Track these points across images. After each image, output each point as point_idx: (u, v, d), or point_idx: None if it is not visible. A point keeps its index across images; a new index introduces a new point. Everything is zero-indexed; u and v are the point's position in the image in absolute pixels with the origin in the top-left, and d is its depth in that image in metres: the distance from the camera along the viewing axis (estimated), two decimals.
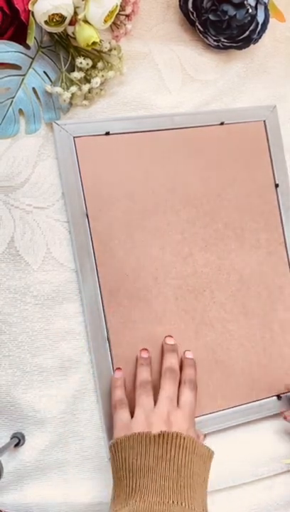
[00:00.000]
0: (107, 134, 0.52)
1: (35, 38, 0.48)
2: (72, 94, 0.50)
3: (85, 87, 0.50)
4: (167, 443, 0.43)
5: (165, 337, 0.53)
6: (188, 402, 0.49)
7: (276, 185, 0.58)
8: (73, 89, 0.50)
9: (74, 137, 0.51)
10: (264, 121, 0.58)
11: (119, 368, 0.51)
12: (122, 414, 0.48)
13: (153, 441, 0.43)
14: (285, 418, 0.54)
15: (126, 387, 0.51)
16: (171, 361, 0.51)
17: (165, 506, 0.40)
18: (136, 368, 0.51)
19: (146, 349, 0.52)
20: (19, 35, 0.48)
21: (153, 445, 0.43)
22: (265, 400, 0.56)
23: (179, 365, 0.52)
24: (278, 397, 0.56)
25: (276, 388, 0.56)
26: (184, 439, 0.44)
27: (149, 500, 0.41)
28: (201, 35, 0.56)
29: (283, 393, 0.56)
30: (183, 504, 0.41)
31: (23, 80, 0.49)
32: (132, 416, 0.47)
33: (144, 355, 0.52)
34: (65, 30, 0.48)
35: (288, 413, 0.54)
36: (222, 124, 0.57)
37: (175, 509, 0.40)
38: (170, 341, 0.53)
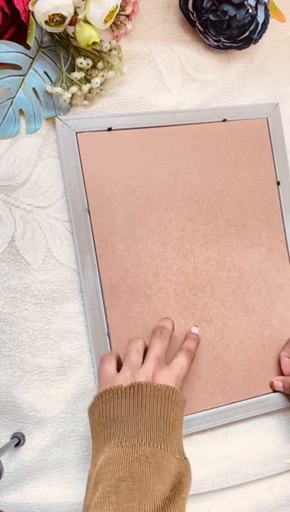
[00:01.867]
0: (109, 129, 0.52)
1: (35, 38, 0.48)
2: (73, 94, 0.50)
3: (85, 87, 0.50)
4: (137, 393, 0.44)
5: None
6: (179, 365, 0.49)
7: (278, 183, 0.59)
8: (73, 89, 0.50)
9: (76, 133, 0.51)
10: (267, 118, 0.58)
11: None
12: (108, 366, 0.48)
13: (124, 393, 0.44)
14: (271, 386, 0.54)
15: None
16: (164, 322, 0.51)
17: (138, 448, 0.42)
18: (133, 338, 0.51)
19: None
20: (19, 36, 0.48)
21: (125, 397, 0.44)
22: (264, 396, 0.56)
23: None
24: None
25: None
26: (154, 387, 0.45)
27: (122, 444, 0.42)
28: (201, 36, 0.56)
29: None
30: (156, 445, 0.42)
31: (23, 80, 0.50)
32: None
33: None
34: (65, 30, 0.49)
35: (275, 380, 0.54)
36: (224, 120, 0.57)
37: (147, 449, 0.42)
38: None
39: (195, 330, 0.54)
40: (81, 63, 0.49)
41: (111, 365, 0.48)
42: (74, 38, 0.48)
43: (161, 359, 0.48)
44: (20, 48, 0.48)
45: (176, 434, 0.45)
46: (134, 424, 0.43)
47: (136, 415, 0.44)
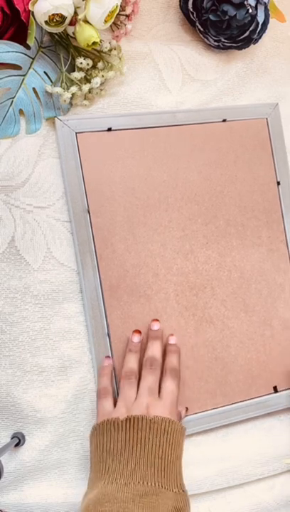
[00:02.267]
0: (109, 130, 0.52)
1: (35, 38, 0.48)
2: (73, 94, 0.50)
3: (85, 87, 0.50)
4: (133, 427, 0.45)
5: (152, 321, 0.53)
6: (169, 392, 0.49)
7: (278, 183, 0.59)
8: (73, 89, 0.50)
9: (76, 133, 0.51)
10: (267, 118, 0.58)
11: (108, 357, 0.52)
12: (105, 405, 0.49)
13: (120, 426, 0.45)
14: None
15: (118, 376, 0.52)
16: (153, 350, 0.51)
17: (132, 487, 0.41)
18: (126, 353, 0.51)
19: (138, 331, 0.52)
20: (19, 36, 0.48)
21: (121, 430, 0.45)
22: (265, 397, 0.56)
23: (163, 351, 0.52)
24: (275, 389, 0.56)
25: (275, 385, 0.57)
26: (150, 421, 0.45)
27: (117, 482, 0.42)
28: (201, 36, 0.56)
29: (284, 389, 0.56)
30: (150, 483, 0.42)
31: (23, 80, 0.50)
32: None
33: (135, 339, 0.52)
34: (65, 30, 0.49)
35: None
36: (224, 121, 0.57)
37: (141, 488, 0.42)
38: (155, 326, 0.52)
39: (172, 340, 0.53)
40: (81, 63, 0.49)
41: (109, 401, 0.49)
42: (74, 38, 0.48)
43: (154, 389, 0.49)
44: (20, 47, 0.48)
45: (173, 468, 0.45)
46: (130, 459, 0.43)
47: (132, 451, 0.44)
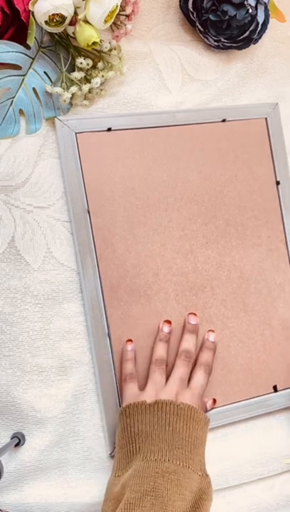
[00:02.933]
0: (109, 130, 0.52)
1: (35, 38, 0.48)
2: (73, 94, 0.50)
3: (85, 87, 0.50)
4: (161, 410, 0.46)
5: (189, 314, 0.54)
6: (199, 384, 0.51)
7: (278, 183, 0.59)
8: (73, 89, 0.50)
9: (76, 133, 0.51)
10: (266, 118, 0.58)
11: (130, 340, 0.52)
12: (132, 388, 0.50)
13: (147, 409, 0.46)
14: None
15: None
16: (189, 343, 0.52)
17: (161, 464, 0.44)
18: (155, 341, 0.53)
19: (169, 322, 0.53)
20: (19, 36, 0.48)
21: (149, 413, 0.46)
22: (265, 396, 0.56)
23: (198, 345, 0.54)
24: (275, 388, 0.56)
25: (275, 384, 0.57)
26: (177, 406, 0.47)
27: (147, 459, 0.44)
28: (201, 36, 0.56)
29: (284, 389, 0.56)
30: (178, 462, 0.44)
31: (23, 80, 0.50)
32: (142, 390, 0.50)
33: (165, 329, 0.53)
34: (65, 30, 0.49)
35: None
36: (224, 121, 0.57)
37: (170, 466, 0.44)
38: (193, 321, 0.54)
39: (211, 338, 0.54)
40: (81, 63, 0.49)
41: (135, 385, 0.51)
42: (75, 38, 0.48)
43: (184, 380, 0.51)
44: (20, 48, 0.48)
45: (198, 452, 0.46)
46: (158, 440, 0.45)
47: (160, 432, 0.45)
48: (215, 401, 0.53)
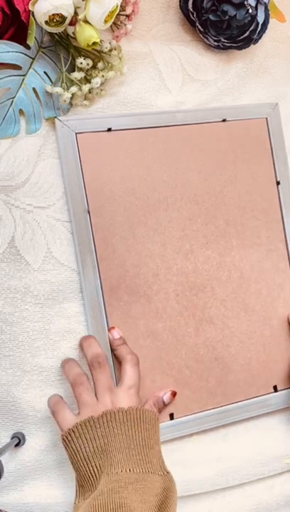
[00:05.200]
0: (109, 130, 0.52)
1: (35, 38, 0.48)
2: (73, 94, 0.50)
3: (85, 88, 0.50)
4: (111, 420, 0.45)
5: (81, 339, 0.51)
6: (132, 380, 0.49)
7: (278, 183, 0.59)
8: (73, 89, 0.50)
9: (76, 133, 0.51)
10: (266, 118, 0.59)
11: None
12: (64, 415, 0.47)
13: (97, 423, 0.45)
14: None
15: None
16: (92, 348, 0.49)
17: (123, 475, 0.43)
18: (63, 365, 0.50)
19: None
20: (19, 36, 0.48)
21: (99, 426, 0.45)
22: (265, 397, 0.56)
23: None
24: (275, 388, 0.56)
25: (275, 384, 0.57)
26: (125, 412, 0.46)
27: (109, 474, 0.43)
28: (201, 36, 0.56)
29: (284, 389, 0.56)
30: (138, 470, 0.44)
31: (23, 80, 0.50)
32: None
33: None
34: (65, 30, 0.49)
35: None
36: (224, 121, 0.57)
37: (131, 476, 0.43)
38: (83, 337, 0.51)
39: (116, 335, 0.51)
40: (81, 63, 0.49)
41: (67, 412, 0.47)
42: (75, 38, 0.48)
43: (110, 385, 0.48)
44: (20, 47, 0.48)
45: (154, 452, 0.46)
46: (115, 451, 0.44)
47: (115, 443, 0.44)
48: (174, 394, 0.52)
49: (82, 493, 0.45)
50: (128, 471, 0.43)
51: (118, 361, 0.51)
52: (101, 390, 0.48)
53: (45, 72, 0.50)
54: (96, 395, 0.48)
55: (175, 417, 0.53)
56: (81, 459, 0.45)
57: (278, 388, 0.57)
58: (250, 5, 0.52)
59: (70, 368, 0.49)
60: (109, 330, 0.52)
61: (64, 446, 0.46)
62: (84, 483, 0.45)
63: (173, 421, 0.53)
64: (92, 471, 0.44)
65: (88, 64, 0.50)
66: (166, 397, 0.52)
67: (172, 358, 0.53)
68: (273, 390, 0.56)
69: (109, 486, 0.42)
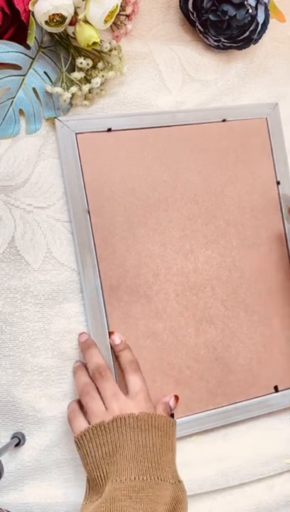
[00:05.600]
0: (109, 130, 0.52)
1: (35, 38, 0.48)
2: (73, 94, 0.50)
3: (85, 88, 0.50)
4: (121, 426, 0.44)
5: (79, 334, 0.51)
6: (138, 387, 0.48)
7: (278, 183, 0.59)
8: (73, 89, 0.50)
9: (76, 134, 0.51)
10: (266, 118, 0.59)
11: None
12: (78, 422, 0.47)
13: (107, 428, 0.45)
14: None
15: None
16: (93, 358, 0.49)
17: (128, 483, 0.42)
18: (75, 374, 0.50)
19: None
20: (19, 36, 0.48)
21: (109, 431, 0.45)
22: (265, 397, 0.56)
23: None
24: (276, 388, 0.56)
25: (276, 384, 0.57)
26: (136, 418, 0.45)
27: (114, 482, 0.42)
28: (201, 36, 0.56)
29: (284, 389, 0.56)
30: (145, 478, 0.42)
31: (23, 80, 0.50)
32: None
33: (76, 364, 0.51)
34: (65, 30, 0.49)
35: None
36: (224, 121, 0.57)
37: (137, 484, 0.42)
38: (82, 339, 0.51)
39: (116, 340, 0.51)
40: (81, 63, 0.49)
41: (81, 418, 0.47)
42: (75, 38, 0.48)
43: (117, 393, 0.48)
44: (20, 47, 0.48)
45: (166, 460, 0.45)
46: (122, 458, 0.43)
47: (123, 449, 0.44)
48: (176, 398, 0.51)
49: (91, 495, 0.45)
50: (134, 479, 0.42)
51: (120, 367, 0.51)
52: (108, 399, 0.47)
53: (45, 72, 0.50)
54: (104, 405, 0.47)
55: (175, 417, 0.53)
56: (90, 463, 0.45)
57: (279, 388, 0.57)
58: (250, 5, 0.52)
59: (78, 377, 0.50)
60: (110, 335, 0.51)
61: (76, 449, 0.46)
62: (94, 487, 0.45)
63: None
64: (100, 476, 0.44)
65: (88, 64, 0.50)
66: (171, 402, 0.51)
67: (172, 358, 0.53)
68: (274, 391, 0.56)
69: (112, 494, 0.41)
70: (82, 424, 0.47)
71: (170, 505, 0.42)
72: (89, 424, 0.47)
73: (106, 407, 0.47)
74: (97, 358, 0.50)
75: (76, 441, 0.46)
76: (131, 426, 0.45)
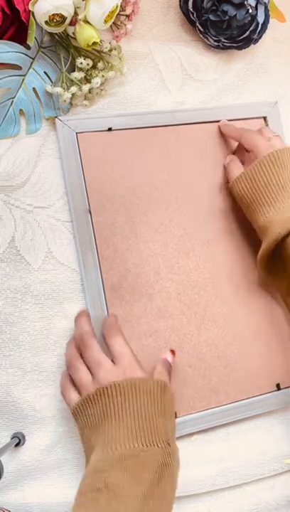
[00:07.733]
0: (109, 129, 0.53)
1: (35, 38, 0.48)
2: (73, 94, 0.50)
3: (85, 88, 0.50)
4: (103, 397, 0.44)
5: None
6: (120, 352, 0.47)
7: None
8: (73, 89, 0.50)
9: (76, 133, 0.51)
10: (265, 117, 0.59)
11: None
12: (68, 394, 0.47)
13: (92, 400, 0.44)
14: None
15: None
16: (77, 331, 0.49)
17: (110, 454, 0.41)
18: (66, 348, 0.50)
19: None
20: (20, 36, 0.48)
21: (94, 404, 0.44)
22: (267, 395, 0.55)
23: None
24: (278, 386, 0.56)
25: (278, 382, 0.57)
26: (118, 385, 0.44)
27: (96, 453, 0.42)
28: (201, 36, 0.56)
29: (286, 387, 0.56)
30: (128, 446, 0.41)
31: (23, 80, 0.50)
32: None
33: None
34: (65, 30, 0.49)
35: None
36: None
37: (120, 453, 0.41)
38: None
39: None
40: (81, 63, 0.50)
41: (72, 392, 0.47)
42: (75, 38, 0.49)
43: (101, 360, 0.46)
44: (21, 48, 0.48)
45: (153, 425, 0.43)
46: (107, 429, 0.43)
47: (108, 420, 0.43)
48: (173, 352, 0.51)
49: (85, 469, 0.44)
50: (119, 447, 0.41)
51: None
52: (93, 368, 0.46)
53: (45, 72, 0.50)
54: (92, 375, 0.47)
55: (178, 415, 0.52)
56: (83, 436, 0.45)
57: (282, 386, 0.56)
58: (250, 5, 0.52)
59: (66, 351, 0.50)
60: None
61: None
62: (88, 460, 0.44)
63: (176, 419, 0.52)
64: (89, 448, 0.44)
65: (88, 64, 0.50)
66: (169, 357, 0.51)
67: (174, 356, 0.53)
68: (276, 389, 0.56)
69: (95, 464, 0.41)
70: (72, 397, 0.47)
71: (156, 472, 0.40)
72: (81, 396, 0.46)
73: (93, 377, 0.46)
74: (82, 327, 0.49)
75: (73, 415, 0.46)
76: (113, 395, 0.44)
